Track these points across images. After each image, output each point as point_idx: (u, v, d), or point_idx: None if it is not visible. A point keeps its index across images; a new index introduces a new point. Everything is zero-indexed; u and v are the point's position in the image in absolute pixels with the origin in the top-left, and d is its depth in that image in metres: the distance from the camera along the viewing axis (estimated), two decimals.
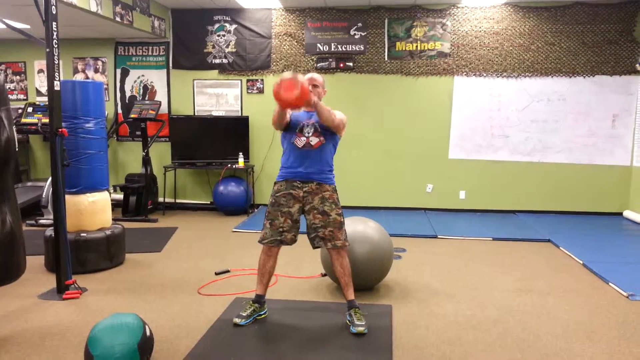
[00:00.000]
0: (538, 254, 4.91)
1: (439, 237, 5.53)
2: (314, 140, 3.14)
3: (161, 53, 7.05)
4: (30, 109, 6.89)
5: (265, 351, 2.83)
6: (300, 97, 2.84)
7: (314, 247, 3.22)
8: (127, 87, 7.18)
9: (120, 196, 6.69)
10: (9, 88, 7.34)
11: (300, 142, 3.16)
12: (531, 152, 6.67)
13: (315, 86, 3.15)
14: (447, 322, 3.24)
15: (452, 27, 6.58)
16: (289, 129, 3.19)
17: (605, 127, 6.53)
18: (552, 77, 6.52)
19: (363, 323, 3.03)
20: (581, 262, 4.56)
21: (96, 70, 7.20)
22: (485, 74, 6.60)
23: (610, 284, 3.96)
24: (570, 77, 6.50)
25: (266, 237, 3.16)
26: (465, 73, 6.62)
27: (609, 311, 3.44)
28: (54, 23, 3.53)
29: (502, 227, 6.00)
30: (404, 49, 6.68)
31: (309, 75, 3.18)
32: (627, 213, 6.48)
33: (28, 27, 5.78)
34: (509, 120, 6.65)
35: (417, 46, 6.65)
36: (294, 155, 3.16)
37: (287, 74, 2.88)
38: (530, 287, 3.93)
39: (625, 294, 3.73)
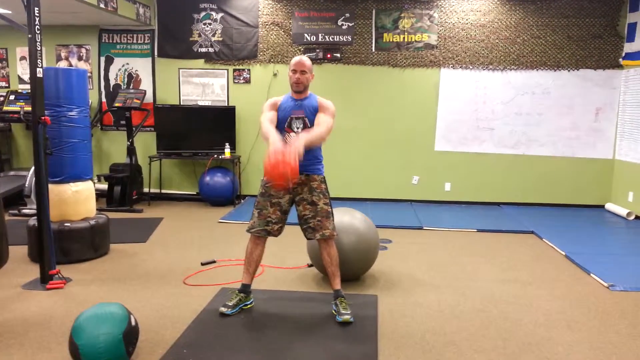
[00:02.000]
0: (521, 245, 4.98)
1: (424, 228, 5.57)
2: None
3: (146, 41, 6.95)
4: (12, 97, 6.77)
5: (251, 341, 2.83)
6: (292, 177, 2.68)
7: (308, 239, 3.21)
8: (112, 76, 7.08)
9: (104, 186, 6.62)
10: None
11: (290, 138, 3.14)
12: (516, 145, 6.73)
13: (303, 72, 3.09)
14: (432, 311, 3.28)
15: (439, 19, 6.59)
16: (278, 122, 3.15)
17: (589, 121, 6.61)
18: (537, 70, 6.58)
19: (349, 312, 3.05)
20: (563, 253, 4.64)
21: (80, 58, 7.08)
22: (471, 67, 6.63)
23: (591, 274, 4.04)
24: (555, 70, 6.56)
25: (254, 227, 3.16)
26: (451, 65, 6.65)
27: (589, 301, 3.51)
28: (36, 9, 3.47)
29: (487, 218, 6.06)
30: (391, 40, 6.68)
31: (297, 59, 3.10)
32: (608, 205, 6.59)
33: (10, 12, 5.66)
34: (494, 113, 6.70)
35: (404, 38, 6.65)
36: None
37: (273, 154, 2.68)
38: (513, 278, 3.99)
39: (605, 284, 3.80)
